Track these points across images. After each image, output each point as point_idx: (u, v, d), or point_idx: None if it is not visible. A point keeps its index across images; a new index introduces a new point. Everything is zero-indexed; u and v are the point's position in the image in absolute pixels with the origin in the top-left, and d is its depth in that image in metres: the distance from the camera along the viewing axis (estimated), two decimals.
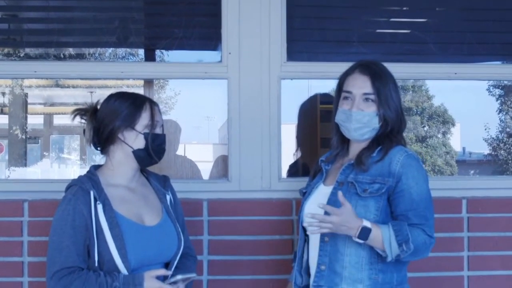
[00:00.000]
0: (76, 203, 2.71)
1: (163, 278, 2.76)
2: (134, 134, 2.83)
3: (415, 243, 2.68)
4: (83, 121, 2.91)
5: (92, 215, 2.70)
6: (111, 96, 2.91)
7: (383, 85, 2.86)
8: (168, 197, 2.99)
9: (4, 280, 3.48)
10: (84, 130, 2.91)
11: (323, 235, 2.79)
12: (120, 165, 2.88)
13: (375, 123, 2.86)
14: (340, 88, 2.94)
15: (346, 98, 2.89)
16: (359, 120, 2.85)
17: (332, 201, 2.79)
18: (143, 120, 2.84)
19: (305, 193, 3.03)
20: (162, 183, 3.04)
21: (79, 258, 2.69)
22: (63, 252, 2.67)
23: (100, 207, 2.72)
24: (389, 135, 2.87)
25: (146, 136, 2.83)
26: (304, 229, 2.95)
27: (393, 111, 2.86)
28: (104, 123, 2.84)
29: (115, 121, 2.82)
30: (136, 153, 2.85)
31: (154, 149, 2.86)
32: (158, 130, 2.88)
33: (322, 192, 2.91)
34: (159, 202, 2.95)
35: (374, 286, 2.75)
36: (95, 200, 2.73)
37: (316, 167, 3.08)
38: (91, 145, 2.90)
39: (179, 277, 2.75)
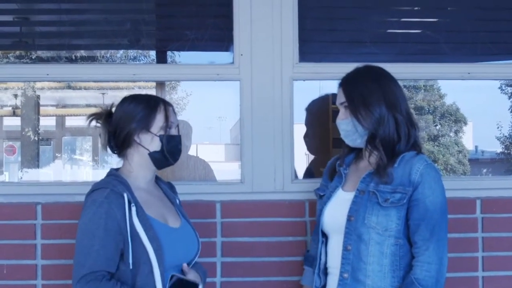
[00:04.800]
0: (110, 207, 2.68)
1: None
2: (149, 136, 2.84)
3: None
4: (98, 125, 2.91)
5: (126, 218, 2.69)
6: (125, 99, 2.91)
7: (353, 88, 2.89)
8: (177, 201, 3.02)
9: (18, 283, 3.47)
10: (100, 134, 2.92)
11: (345, 243, 2.81)
12: (139, 168, 2.88)
13: (360, 128, 2.86)
14: None
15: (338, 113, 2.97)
16: (344, 128, 2.91)
17: (354, 210, 2.81)
18: (158, 122, 2.84)
19: (322, 196, 3.04)
20: (170, 189, 3.06)
21: (108, 262, 2.66)
22: (92, 255, 2.65)
23: (134, 209, 2.71)
24: (393, 141, 2.84)
25: (161, 138, 2.84)
26: (323, 232, 2.97)
27: (362, 114, 2.83)
28: (120, 126, 2.84)
29: (131, 124, 2.82)
30: (152, 155, 2.84)
31: (170, 150, 2.86)
32: (173, 131, 2.89)
33: (341, 197, 2.92)
34: (172, 206, 2.97)
35: None
36: (129, 203, 2.71)
37: (331, 168, 3.10)
38: (107, 149, 2.90)
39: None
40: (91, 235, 2.68)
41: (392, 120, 2.83)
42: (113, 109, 2.91)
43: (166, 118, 2.86)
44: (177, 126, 2.94)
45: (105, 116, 2.90)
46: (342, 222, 2.83)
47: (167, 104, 2.91)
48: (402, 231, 2.77)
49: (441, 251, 2.75)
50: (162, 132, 2.84)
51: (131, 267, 2.68)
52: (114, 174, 2.87)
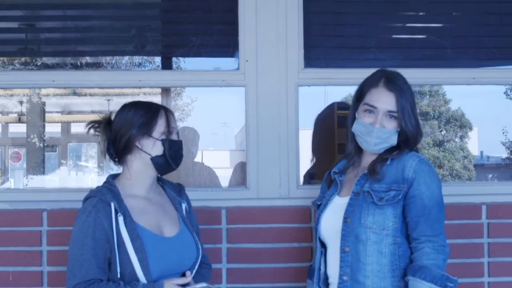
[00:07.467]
0: (97, 215, 2.70)
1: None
2: (151, 141, 2.83)
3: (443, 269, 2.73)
4: (97, 133, 2.91)
5: (113, 227, 2.69)
6: (125, 106, 2.91)
7: (406, 101, 2.86)
8: (183, 206, 2.99)
9: None
10: (99, 142, 2.91)
11: (343, 246, 2.81)
12: (138, 174, 2.87)
13: (394, 139, 2.87)
14: (360, 95, 2.94)
15: (369, 111, 2.88)
16: (380, 136, 2.86)
17: (350, 211, 2.82)
18: (160, 127, 2.85)
19: (320, 205, 3.03)
20: (177, 192, 3.03)
21: (100, 271, 2.67)
22: (84, 264, 2.66)
23: (121, 219, 2.71)
24: (401, 145, 2.89)
25: (163, 142, 2.83)
26: (321, 241, 2.97)
27: (412, 125, 2.87)
28: (121, 133, 2.84)
29: (132, 130, 2.82)
30: (155, 160, 2.84)
31: (172, 155, 2.86)
32: (174, 137, 2.89)
33: (337, 203, 2.93)
34: (176, 212, 2.95)
35: None
36: (116, 212, 2.71)
37: (328, 178, 3.10)
38: (106, 156, 2.91)
39: (198, 286, 2.76)
40: (80, 244, 2.69)
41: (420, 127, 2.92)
42: (112, 117, 2.92)
43: (168, 123, 2.87)
44: (177, 132, 2.94)
45: (105, 124, 2.90)
46: (338, 226, 2.83)
47: (167, 110, 2.92)
48: (400, 229, 2.78)
49: (443, 243, 2.76)
50: (163, 137, 2.84)
51: (118, 276, 2.69)
52: (109, 181, 2.87)
